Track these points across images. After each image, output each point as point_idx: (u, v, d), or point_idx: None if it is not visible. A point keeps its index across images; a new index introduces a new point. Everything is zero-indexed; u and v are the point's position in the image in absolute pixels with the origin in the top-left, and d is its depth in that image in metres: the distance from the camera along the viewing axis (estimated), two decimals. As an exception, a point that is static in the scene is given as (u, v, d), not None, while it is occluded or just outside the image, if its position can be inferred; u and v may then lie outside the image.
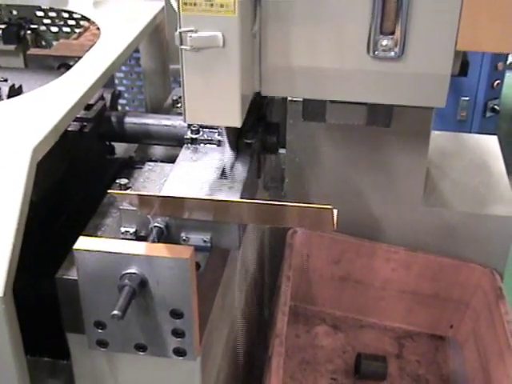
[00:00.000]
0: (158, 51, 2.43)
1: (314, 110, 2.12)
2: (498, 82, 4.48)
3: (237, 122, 1.52)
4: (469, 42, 1.49)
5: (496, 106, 4.54)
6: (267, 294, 2.42)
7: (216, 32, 1.39)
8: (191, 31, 1.39)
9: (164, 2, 2.15)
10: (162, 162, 1.80)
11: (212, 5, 1.36)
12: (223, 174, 1.63)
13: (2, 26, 2.63)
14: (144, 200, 1.41)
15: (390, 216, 2.37)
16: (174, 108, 2.16)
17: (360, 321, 2.52)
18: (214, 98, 1.48)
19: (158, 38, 2.37)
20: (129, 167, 1.81)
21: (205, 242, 1.49)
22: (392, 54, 1.51)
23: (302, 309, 2.53)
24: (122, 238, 1.50)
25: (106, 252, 1.37)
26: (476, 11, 1.45)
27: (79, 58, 1.86)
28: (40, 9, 2.73)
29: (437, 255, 2.36)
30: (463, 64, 1.64)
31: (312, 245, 2.41)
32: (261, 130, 1.80)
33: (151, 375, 1.57)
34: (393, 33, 1.49)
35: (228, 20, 1.38)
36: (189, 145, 1.75)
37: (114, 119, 1.94)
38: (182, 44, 1.41)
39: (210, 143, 1.74)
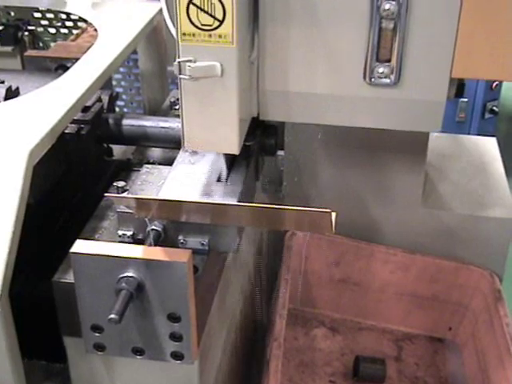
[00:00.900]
0: (155, 53, 2.43)
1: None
2: (496, 83, 4.47)
3: (235, 149, 1.53)
4: (464, 69, 1.50)
5: (495, 108, 4.54)
6: (266, 297, 2.41)
7: (214, 62, 1.40)
8: (190, 61, 1.40)
9: (162, 3, 2.14)
10: (159, 164, 1.79)
11: (210, 35, 1.38)
12: (221, 177, 1.63)
13: (0, 28, 2.62)
14: (141, 203, 1.40)
15: (389, 218, 2.36)
16: (171, 110, 2.15)
17: (358, 323, 2.52)
18: (212, 125, 1.50)
19: (156, 39, 2.37)
20: (126, 169, 1.80)
21: (202, 245, 1.49)
22: (388, 80, 1.53)
23: (301, 311, 2.53)
24: (120, 241, 1.50)
25: (103, 255, 1.36)
26: (471, 39, 1.47)
27: (77, 59, 1.86)
28: (38, 10, 2.73)
29: (435, 257, 2.36)
30: (459, 86, 1.65)
31: (310, 247, 2.40)
32: (259, 132, 1.79)
33: (149, 379, 1.56)
34: (389, 60, 1.50)
35: (226, 50, 1.39)
36: (186, 147, 1.74)
37: (111, 121, 1.93)
38: (180, 73, 1.42)
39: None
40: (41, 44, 2.73)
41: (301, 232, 2.36)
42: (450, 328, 2.46)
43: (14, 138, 1.44)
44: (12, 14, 2.72)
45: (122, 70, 2.89)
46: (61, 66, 2.16)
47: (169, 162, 1.72)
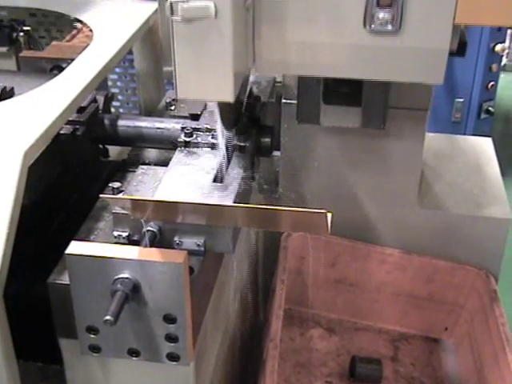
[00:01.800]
0: (151, 53, 2.42)
1: (308, 112, 2.12)
2: (492, 83, 4.48)
3: (230, 97, 1.48)
4: (467, 15, 1.45)
5: (490, 108, 4.55)
6: (262, 298, 2.41)
7: (208, 2, 1.36)
8: (182, 1, 1.35)
9: (157, 3, 2.14)
10: (155, 165, 1.79)
11: None
12: (217, 178, 1.63)
13: None
14: (137, 204, 1.40)
15: (385, 218, 2.36)
16: (167, 110, 2.15)
17: (355, 323, 2.52)
18: (206, 71, 1.44)
19: (152, 39, 2.36)
20: (122, 170, 1.80)
21: (198, 246, 1.48)
22: (389, 27, 1.48)
23: (297, 312, 2.52)
24: (115, 242, 1.49)
25: (99, 257, 1.36)
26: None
27: (72, 60, 1.85)
28: (32, 11, 2.72)
29: (431, 257, 2.36)
30: (461, 44, 1.61)
31: (306, 248, 2.40)
32: (255, 132, 1.79)
33: (144, 380, 1.56)
34: (390, 5, 1.45)
35: None
36: (182, 148, 1.74)
37: (107, 122, 1.93)
38: (172, 14, 1.37)
39: (204, 146, 1.73)
40: (36, 44, 2.72)
41: (297, 233, 2.36)
42: (446, 328, 2.46)
43: (9, 139, 1.44)
44: (4, 13, 2.71)
45: (117, 70, 2.89)
46: (56, 67, 2.15)
47: (164, 163, 1.72)
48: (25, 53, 2.40)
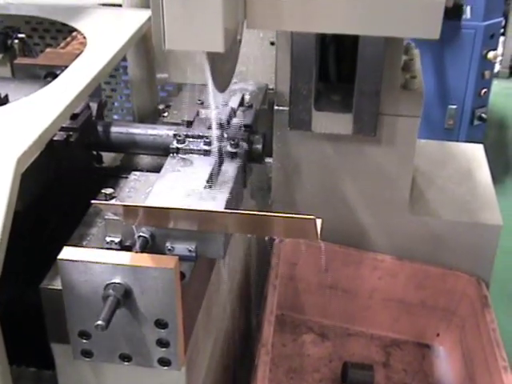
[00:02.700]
0: (144, 60, 2.43)
1: (300, 119, 2.13)
2: (485, 90, 4.50)
3: (219, 47, 1.43)
4: None
5: (483, 115, 4.56)
6: (255, 303, 2.42)
7: None
8: None
9: (151, 11, 2.15)
10: (147, 171, 1.80)
11: None
12: (208, 184, 1.64)
13: None
14: (129, 210, 1.40)
15: (377, 224, 2.38)
16: (160, 117, 2.16)
17: (347, 329, 2.53)
18: (195, 20, 1.39)
19: (145, 47, 2.37)
20: (115, 176, 1.81)
21: (190, 251, 1.49)
22: None
23: (289, 317, 2.53)
24: (107, 248, 1.50)
25: (91, 262, 1.37)
26: None
27: (66, 67, 1.86)
28: (26, 18, 2.72)
29: (423, 263, 2.37)
30: (457, 7, 1.58)
31: (299, 253, 2.41)
32: (246, 139, 1.81)
33: (136, 385, 1.57)
34: None
35: None
36: (174, 154, 1.75)
37: (100, 128, 1.94)
38: None
39: (196, 153, 1.75)
40: (31, 51, 2.72)
41: (289, 239, 2.37)
42: (438, 334, 2.48)
43: (2, 146, 1.44)
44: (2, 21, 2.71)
45: (111, 77, 2.89)
46: (50, 74, 2.15)
47: (157, 169, 1.73)
48: (19, 59, 2.41)
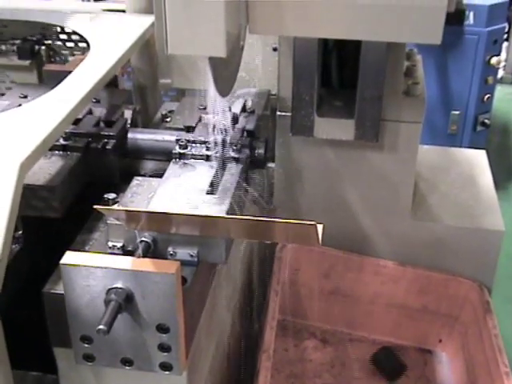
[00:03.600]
0: (148, 66, 2.45)
1: (302, 124, 2.14)
2: (488, 95, 4.50)
3: (222, 52, 1.45)
4: None
5: (486, 120, 4.57)
6: (257, 308, 2.42)
7: None
8: None
9: (154, 16, 2.16)
10: (150, 176, 1.81)
11: None
12: (211, 189, 1.64)
13: (17, 42, 2.63)
14: (131, 215, 1.41)
15: (379, 230, 2.38)
16: (163, 122, 2.17)
17: (349, 334, 2.53)
18: (197, 25, 1.41)
19: (149, 52, 2.39)
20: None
21: (191, 256, 1.50)
22: None
23: (292, 323, 2.54)
24: (110, 253, 1.51)
25: (93, 267, 1.38)
26: None
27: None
28: (33, 23, 2.73)
29: (425, 269, 2.37)
30: (459, 12, 1.59)
31: (301, 259, 2.42)
32: (248, 144, 1.81)
33: (138, 390, 1.57)
34: None
35: None
36: (177, 159, 1.76)
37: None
38: None
39: (198, 158, 1.75)
40: (59, 58, 2.74)
41: (291, 244, 2.37)
42: (441, 340, 2.47)
43: (5, 151, 1.45)
44: (8, 27, 2.72)
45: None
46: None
47: (159, 174, 1.74)
48: (48, 66, 2.44)
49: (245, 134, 1.88)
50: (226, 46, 1.44)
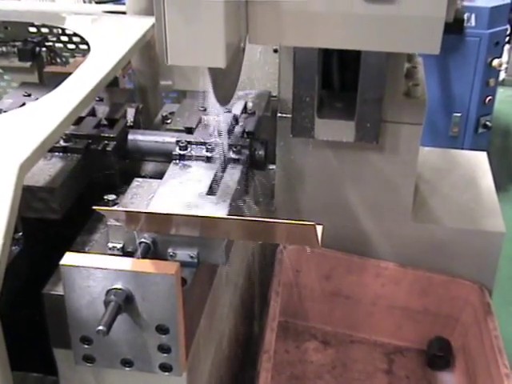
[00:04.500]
0: (148, 67, 2.45)
1: (302, 126, 2.14)
2: (489, 98, 4.50)
3: (221, 62, 1.46)
4: None
5: (488, 122, 4.57)
6: (258, 310, 2.42)
7: None
8: None
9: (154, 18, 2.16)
10: (150, 177, 1.81)
11: None
12: (211, 190, 1.64)
13: (18, 44, 2.64)
14: (131, 216, 1.41)
15: (380, 232, 2.38)
16: (163, 124, 2.17)
17: (350, 336, 2.53)
18: (197, 36, 1.42)
19: (149, 54, 2.39)
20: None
21: (191, 257, 1.50)
22: None
23: (293, 324, 2.53)
24: (110, 254, 1.51)
25: (92, 268, 1.38)
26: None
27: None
28: (33, 25, 2.74)
29: (426, 271, 2.37)
30: (458, 21, 1.59)
31: (302, 260, 2.41)
32: (249, 146, 1.81)
33: (138, 391, 1.57)
34: None
35: None
36: (177, 161, 1.76)
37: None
38: None
39: (198, 159, 1.76)
40: (60, 60, 2.74)
41: (292, 245, 2.37)
42: (442, 342, 2.48)
43: (5, 152, 1.45)
44: (9, 28, 2.73)
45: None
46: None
47: (159, 176, 1.74)
48: (48, 68, 2.44)
49: (245, 135, 1.88)
50: (225, 56, 1.46)
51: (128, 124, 1.97)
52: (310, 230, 1.27)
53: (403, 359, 2.47)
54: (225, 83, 1.68)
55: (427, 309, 2.42)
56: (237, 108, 1.97)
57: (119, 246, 1.52)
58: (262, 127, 1.99)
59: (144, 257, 1.44)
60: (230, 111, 1.93)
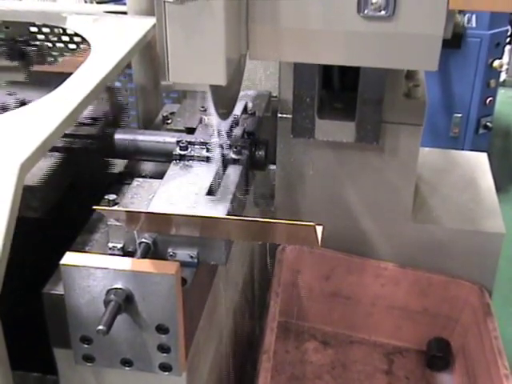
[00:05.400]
0: (149, 67, 2.45)
1: (303, 126, 2.14)
2: (490, 98, 4.50)
3: (221, 80, 1.48)
4: (461, 0, 1.45)
5: (489, 123, 4.57)
6: (258, 310, 2.42)
7: None
8: None
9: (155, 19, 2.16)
10: (150, 177, 1.81)
11: None
12: (211, 191, 1.65)
13: (6, 43, 2.63)
14: (131, 216, 1.41)
15: (380, 232, 2.38)
16: (164, 124, 2.17)
17: (350, 336, 2.53)
18: (198, 54, 1.44)
19: (150, 54, 2.39)
20: (118, 182, 1.82)
21: (191, 257, 1.50)
22: (383, 13, 1.46)
23: (292, 324, 2.54)
24: (110, 254, 1.51)
25: (93, 267, 1.38)
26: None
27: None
28: (34, 25, 2.74)
29: (426, 271, 2.37)
30: (457, 36, 1.60)
31: (302, 261, 2.42)
32: (249, 146, 1.82)
33: (137, 390, 1.58)
34: None
35: None
36: (177, 161, 1.76)
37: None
38: None
39: (199, 159, 1.76)
40: (48, 59, 2.73)
41: (292, 245, 2.37)
42: (441, 343, 2.48)
43: (5, 151, 1.45)
44: (9, 28, 2.73)
45: (117, 84, 2.91)
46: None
47: (160, 176, 1.74)
48: (37, 67, 2.43)
49: (245, 135, 1.88)
50: (225, 74, 1.47)
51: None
52: (309, 230, 1.28)
53: (403, 360, 2.47)
54: (225, 98, 1.71)
55: (427, 309, 2.43)
56: (237, 108, 1.97)
57: (119, 245, 1.53)
58: (262, 127, 1.99)
59: (144, 257, 1.44)
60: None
